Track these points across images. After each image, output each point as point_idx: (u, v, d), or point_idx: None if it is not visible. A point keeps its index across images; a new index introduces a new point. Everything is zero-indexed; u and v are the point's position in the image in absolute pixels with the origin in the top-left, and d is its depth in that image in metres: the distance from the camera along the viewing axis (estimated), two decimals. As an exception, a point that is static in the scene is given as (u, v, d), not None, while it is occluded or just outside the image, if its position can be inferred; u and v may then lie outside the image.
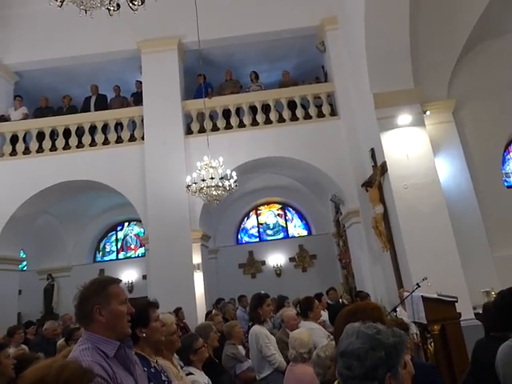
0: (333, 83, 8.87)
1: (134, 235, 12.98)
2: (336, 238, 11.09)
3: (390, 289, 7.12)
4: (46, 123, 8.91)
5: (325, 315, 5.81)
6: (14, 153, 8.76)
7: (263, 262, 12.49)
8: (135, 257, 12.64)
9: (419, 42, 7.19)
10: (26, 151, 8.79)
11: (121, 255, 12.85)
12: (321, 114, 8.76)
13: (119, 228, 13.09)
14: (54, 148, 8.77)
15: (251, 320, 4.08)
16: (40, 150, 8.76)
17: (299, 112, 8.70)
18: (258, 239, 13.18)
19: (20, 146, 8.75)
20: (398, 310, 4.84)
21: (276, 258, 12.50)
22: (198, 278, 8.06)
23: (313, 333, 3.46)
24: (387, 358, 1.11)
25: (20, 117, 9.02)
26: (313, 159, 8.36)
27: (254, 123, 8.75)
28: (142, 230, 12.39)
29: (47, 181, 8.48)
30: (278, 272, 12.33)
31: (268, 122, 8.73)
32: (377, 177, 7.09)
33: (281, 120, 8.75)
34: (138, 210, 8.41)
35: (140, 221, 10.84)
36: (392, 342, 1.13)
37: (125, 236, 13.03)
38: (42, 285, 11.51)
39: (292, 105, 8.80)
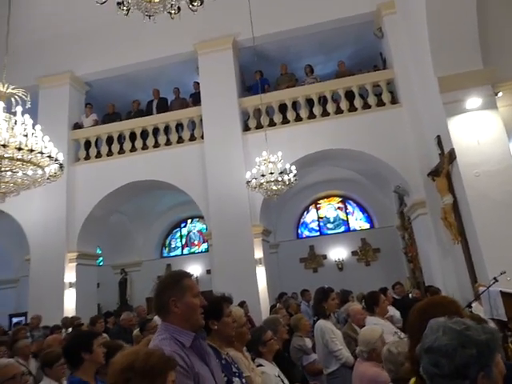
0: (392, 70, 8.52)
1: (197, 231, 13.46)
2: (401, 230, 10.66)
3: (462, 283, 6.71)
4: (114, 128, 9.51)
5: (391, 310, 5.62)
6: (87, 157, 9.47)
7: (324, 256, 12.37)
8: (199, 252, 13.12)
9: (488, 20, 6.65)
10: (98, 155, 9.45)
11: (185, 251, 13.41)
12: (380, 103, 8.45)
13: (183, 225, 13.65)
14: (121, 151, 9.34)
15: (316, 314, 4.07)
16: (110, 153, 9.38)
17: (357, 102, 8.46)
18: (318, 233, 13.06)
19: (92, 151, 9.44)
20: (473, 305, 4.56)
21: (338, 252, 12.31)
22: (260, 273, 8.17)
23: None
24: (479, 355, 1.05)
25: (91, 123, 9.72)
26: (374, 150, 8.10)
27: (311, 116, 8.66)
28: (205, 226, 12.84)
29: (117, 182, 9.06)
30: (340, 266, 12.14)
31: (325, 114, 8.60)
32: (444, 165, 6.69)
33: (338, 111, 8.58)
34: (201, 206, 8.71)
35: (202, 217, 11.27)
36: (484, 339, 1.07)
37: (188, 232, 13.57)
38: (116, 278, 12.37)
39: (350, 95, 8.59)
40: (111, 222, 10.54)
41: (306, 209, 13.30)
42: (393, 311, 5.69)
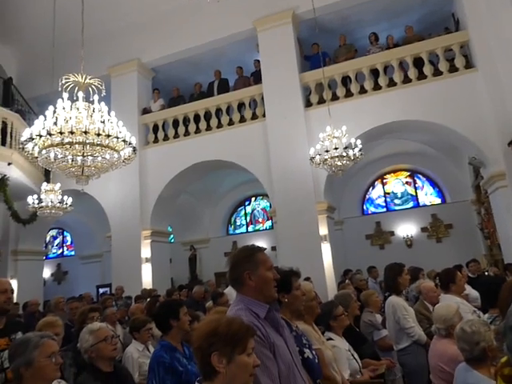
0: (467, 31, 7.81)
1: (261, 209, 13.68)
2: (476, 205, 9.97)
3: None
4: (179, 111, 9.84)
5: (467, 289, 5.35)
6: (156, 140, 9.96)
7: (392, 233, 11.98)
8: (263, 229, 13.35)
9: None
10: (166, 138, 9.88)
11: (250, 228, 13.71)
12: (453, 69, 7.83)
13: (247, 203, 13.92)
14: (187, 133, 9.68)
15: (387, 290, 4.00)
16: (176, 135, 9.77)
17: (427, 69, 7.91)
18: (385, 209, 12.64)
19: (160, 134, 9.90)
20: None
21: (406, 229, 11.85)
22: (326, 250, 8.15)
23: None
24: None
25: (158, 108, 10.16)
26: (445, 120, 7.58)
27: (377, 87, 8.28)
28: (269, 204, 13.00)
29: (184, 163, 9.45)
30: (409, 243, 11.69)
31: (392, 84, 8.17)
32: (528, 133, 6.10)
33: (406, 80, 8.10)
34: (264, 184, 8.81)
35: (266, 195, 11.41)
36: None
37: (252, 210, 13.83)
38: (186, 255, 13.07)
39: (418, 62, 8.04)
40: (180, 202, 11.06)
41: (372, 184, 12.89)
42: (468, 290, 5.42)
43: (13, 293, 2.64)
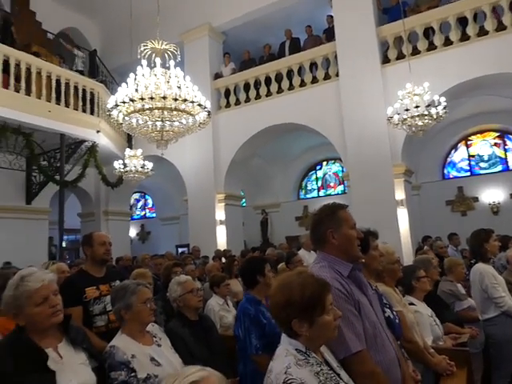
0: None
1: (333, 173, 13.41)
2: None
3: None
4: (250, 74, 9.78)
5: None
6: (228, 105, 10.07)
7: (475, 199, 11.13)
8: (335, 194, 13.13)
9: None
10: (237, 102, 9.95)
11: (321, 193, 13.57)
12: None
13: (318, 167, 13.72)
14: (258, 96, 9.64)
15: (473, 257, 3.75)
16: (247, 99, 9.78)
17: (528, 12, 6.92)
18: (468, 173, 11.71)
19: (232, 99, 9.97)
20: None
21: (492, 194, 10.92)
22: (402, 215, 7.82)
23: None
24: None
25: (229, 72, 10.19)
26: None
27: (464, 38, 7.45)
28: (340, 168, 12.70)
29: (255, 127, 9.47)
30: (495, 210, 10.80)
31: (482, 33, 7.30)
32: None
33: (500, 28, 7.17)
34: (337, 147, 8.56)
35: (338, 159, 11.12)
36: None
37: (324, 175, 13.61)
38: (258, 218, 13.39)
39: (517, 5, 7.06)
40: (251, 166, 11.22)
41: (454, 146, 11.93)
42: None
43: (111, 245, 2.92)
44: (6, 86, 7.45)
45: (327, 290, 1.44)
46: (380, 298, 2.30)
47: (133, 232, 15.25)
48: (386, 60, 8.13)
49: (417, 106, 5.85)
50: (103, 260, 2.90)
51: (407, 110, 5.92)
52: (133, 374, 1.88)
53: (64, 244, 9.56)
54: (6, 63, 7.50)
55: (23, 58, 7.83)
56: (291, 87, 9.21)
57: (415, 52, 7.80)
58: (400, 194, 7.83)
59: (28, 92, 7.82)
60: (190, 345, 2.38)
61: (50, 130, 8.17)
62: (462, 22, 7.57)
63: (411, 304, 2.80)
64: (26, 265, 3.84)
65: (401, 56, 7.85)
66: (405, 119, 6.02)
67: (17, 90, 7.62)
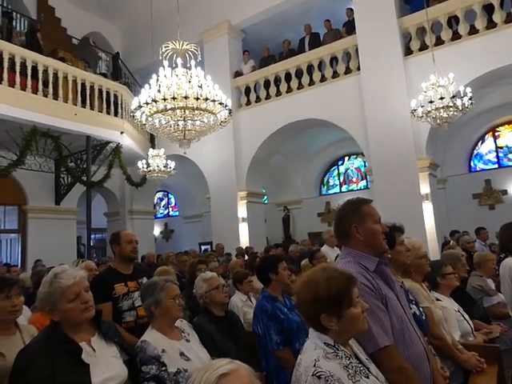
0: None
1: (355, 168, 13.26)
2: None
3: None
4: (270, 71, 9.76)
5: None
6: (248, 103, 10.09)
7: (504, 192, 10.79)
8: (357, 189, 12.99)
9: None
10: (257, 100, 9.96)
11: (343, 188, 13.44)
12: None
13: (340, 162, 13.58)
14: (278, 93, 9.62)
15: (503, 251, 3.65)
16: (268, 96, 9.77)
17: (559, -4, 6.65)
18: (496, 165, 11.36)
19: (252, 96, 9.99)
20: None
21: (522, 187, 10.56)
22: (427, 210, 7.67)
23: None
24: None
25: (249, 70, 10.20)
26: None
27: (490, 25, 7.21)
28: (363, 163, 12.54)
29: (276, 124, 9.46)
30: (526, 203, 10.44)
31: (510, 19, 7.04)
32: None
33: (530, 13, 6.93)
34: (359, 142, 8.46)
35: (360, 154, 10.99)
36: None
37: (346, 170, 13.47)
38: (280, 215, 13.39)
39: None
40: (272, 163, 11.20)
41: (481, 138, 11.58)
42: None
43: (137, 243, 3.00)
44: (35, 91, 7.71)
45: (353, 283, 1.45)
46: (406, 293, 2.28)
47: (157, 230, 15.51)
48: (408, 52, 7.97)
49: (441, 98, 5.71)
50: (130, 257, 2.98)
51: (431, 102, 5.79)
52: (163, 368, 1.93)
53: (91, 243, 9.82)
54: (35, 69, 7.75)
55: (51, 64, 8.09)
56: (311, 83, 9.14)
57: (439, 42, 7.60)
58: (425, 188, 7.68)
59: (55, 96, 8.06)
60: (217, 340, 2.43)
61: (76, 132, 8.41)
62: (488, 9, 7.33)
63: (437, 300, 2.76)
64: (58, 263, 4.00)
65: (424, 47, 7.67)
66: (429, 111, 5.89)
67: (45, 95, 7.88)
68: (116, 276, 2.88)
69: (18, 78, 7.42)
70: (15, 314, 2.29)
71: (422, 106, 5.95)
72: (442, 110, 5.78)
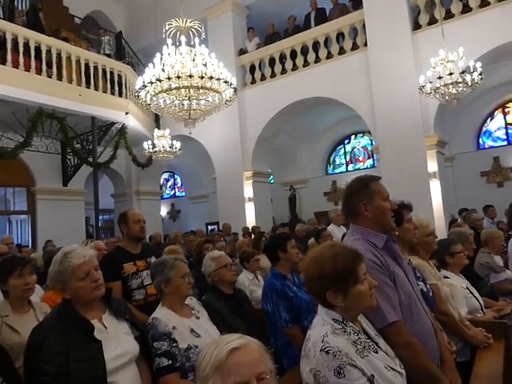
0: None
1: (362, 147, 13.14)
2: None
3: None
4: (275, 49, 9.58)
5: None
6: (253, 81, 9.95)
7: (513, 169, 10.67)
8: (364, 168, 12.90)
9: None
10: (263, 78, 9.81)
11: (350, 167, 13.36)
12: None
13: (346, 141, 13.46)
14: (284, 71, 9.46)
15: (511, 229, 3.64)
16: (273, 74, 9.62)
17: None
18: (505, 142, 11.19)
19: (257, 74, 9.84)
20: None
21: (532, 164, 10.42)
22: (435, 188, 7.62)
23: None
24: None
25: (254, 47, 10.01)
26: None
27: (504, -4, 6.98)
28: (369, 141, 12.41)
29: (282, 102, 9.34)
30: (535, 180, 10.33)
31: (524, -11, 6.82)
32: None
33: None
34: (366, 120, 8.36)
35: (367, 132, 10.86)
36: None
37: (352, 149, 13.35)
38: (286, 195, 13.38)
39: None
40: (278, 142, 11.13)
41: (491, 115, 11.38)
42: None
43: (145, 223, 3.02)
44: (38, 72, 7.65)
45: (359, 260, 1.44)
46: (414, 271, 2.28)
47: (163, 211, 15.61)
48: (416, 26, 7.77)
49: (450, 73, 5.60)
50: (138, 237, 3.01)
51: (440, 77, 5.68)
52: (174, 345, 1.97)
53: (99, 224, 9.93)
54: (38, 49, 7.67)
55: (54, 44, 7.99)
56: (317, 60, 8.98)
57: (449, 16, 7.39)
58: (433, 166, 7.62)
59: (59, 77, 8.00)
60: (226, 317, 2.46)
61: (81, 113, 8.37)
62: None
63: (445, 277, 2.76)
64: (67, 244, 4.05)
65: (433, 21, 7.48)
66: (438, 88, 5.78)
67: (49, 76, 7.82)
68: (125, 255, 2.92)
69: (21, 59, 7.36)
70: (28, 292, 2.34)
71: (431, 82, 5.84)
72: (450, 86, 5.67)
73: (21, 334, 2.15)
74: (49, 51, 7.88)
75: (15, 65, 7.29)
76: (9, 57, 7.20)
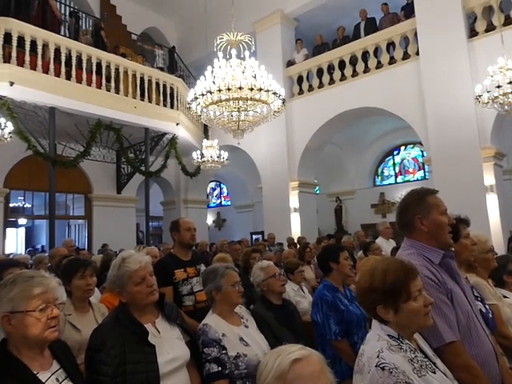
0: None
1: (412, 158, 12.70)
2: None
3: None
4: (323, 59, 9.56)
5: None
6: (301, 92, 9.98)
7: None
8: (414, 180, 12.45)
9: None
10: (310, 89, 9.81)
11: (399, 179, 12.94)
12: None
13: (395, 152, 13.07)
14: (332, 81, 9.41)
15: None
16: (321, 85, 9.60)
17: None
18: None
19: (305, 85, 9.86)
20: None
21: None
22: (492, 202, 7.20)
23: None
24: None
25: (302, 58, 10.07)
26: None
27: None
28: (420, 153, 11.99)
29: (329, 113, 9.28)
30: None
31: None
32: None
33: None
34: (417, 130, 8.09)
35: (417, 143, 10.50)
36: None
37: (402, 160, 12.94)
38: (332, 206, 13.20)
39: None
40: (325, 153, 11.04)
41: (556, 125, 10.61)
42: None
43: (195, 231, 3.11)
44: (99, 86, 8.18)
45: (412, 276, 1.39)
46: (471, 289, 2.17)
47: (209, 219, 15.92)
48: (473, 33, 7.45)
49: (510, 82, 5.30)
50: (189, 244, 3.10)
51: (499, 86, 5.40)
52: (224, 352, 1.99)
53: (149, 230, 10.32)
54: (98, 65, 8.21)
55: (113, 60, 8.54)
56: (367, 70, 8.85)
57: (508, 22, 7.03)
58: (489, 179, 7.21)
59: (117, 90, 8.50)
60: (274, 327, 2.46)
61: (136, 124, 8.82)
62: None
63: (504, 297, 2.60)
64: (119, 248, 4.25)
65: (491, 27, 7.14)
66: (496, 97, 5.50)
67: (108, 90, 8.33)
68: (176, 262, 3.01)
69: (84, 75, 7.91)
70: (89, 293, 2.49)
71: (488, 92, 5.57)
72: (510, 96, 5.37)
73: (81, 332, 2.28)
74: (108, 66, 8.41)
75: (79, 80, 7.84)
76: (73, 73, 7.75)
